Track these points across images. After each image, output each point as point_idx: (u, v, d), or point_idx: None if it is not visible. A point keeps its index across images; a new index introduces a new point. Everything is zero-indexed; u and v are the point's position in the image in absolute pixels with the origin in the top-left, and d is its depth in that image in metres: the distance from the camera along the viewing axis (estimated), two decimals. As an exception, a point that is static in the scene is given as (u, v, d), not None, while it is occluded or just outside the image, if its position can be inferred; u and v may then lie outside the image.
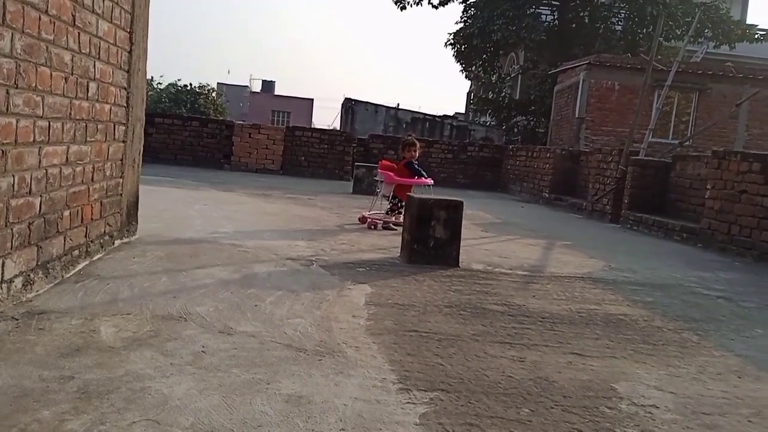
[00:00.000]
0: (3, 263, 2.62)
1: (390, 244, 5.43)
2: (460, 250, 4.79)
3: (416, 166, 6.87)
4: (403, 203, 6.59)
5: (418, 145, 7.04)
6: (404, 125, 20.92)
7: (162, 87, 40.65)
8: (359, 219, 6.80)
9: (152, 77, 42.32)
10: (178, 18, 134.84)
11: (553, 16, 23.28)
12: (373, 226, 6.47)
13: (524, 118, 22.34)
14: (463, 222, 7.08)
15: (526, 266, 5.00)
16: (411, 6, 24.11)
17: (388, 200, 6.83)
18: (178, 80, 39.61)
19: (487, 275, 4.49)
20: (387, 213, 6.78)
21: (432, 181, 6.81)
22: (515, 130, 22.59)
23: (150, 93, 40.12)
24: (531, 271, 4.83)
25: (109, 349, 2.39)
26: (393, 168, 6.87)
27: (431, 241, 4.61)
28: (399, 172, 6.79)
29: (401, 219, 6.48)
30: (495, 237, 6.75)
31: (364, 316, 3.18)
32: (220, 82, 55.15)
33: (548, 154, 12.60)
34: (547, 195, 12.24)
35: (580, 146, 16.08)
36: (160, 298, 3.13)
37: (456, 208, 4.67)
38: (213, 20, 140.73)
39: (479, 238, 6.55)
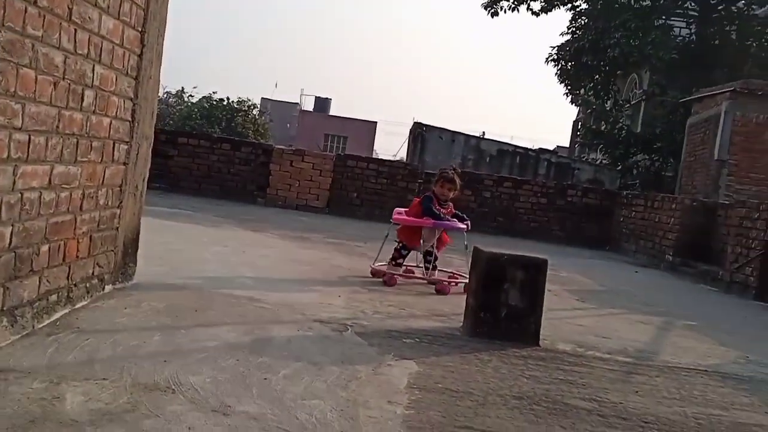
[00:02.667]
0: (-43, 305, 2.70)
1: (452, 310, 5.34)
2: (543, 324, 4.66)
3: (430, 201, 6.59)
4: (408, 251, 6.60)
5: (457, 183, 6.77)
6: (488, 159, 20.86)
7: (194, 101, 42.34)
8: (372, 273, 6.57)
9: (183, 88, 44.27)
10: (215, 19, 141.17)
11: (689, 29, 23.04)
12: (385, 277, 6.34)
13: (647, 157, 21.94)
14: (554, 287, 6.95)
15: (630, 351, 4.81)
16: (505, 12, 24.41)
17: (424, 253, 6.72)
18: (213, 93, 41.17)
19: (576, 359, 4.33)
20: (390, 262, 6.66)
21: (463, 226, 6.61)
22: (634, 171, 22.19)
23: (179, 108, 41.90)
24: (636, 357, 4.64)
25: (71, 423, 2.41)
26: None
27: (503, 310, 4.50)
28: (413, 209, 6.75)
29: (430, 272, 6.50)
30: (593, 310, 6.56)
31: (404, 402, 3.10)
32: (264, 97, 57.07)
33: (674, 205, 12.27)
34: (670, 258, 11.86)
35: (718, 197, 15.59)
36: (147, 361, 3.15)
37: (537, 267, 4.56)
38: (259, 23, 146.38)
39: (572, 309, 6.38)
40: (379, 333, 4.32)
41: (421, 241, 6.56)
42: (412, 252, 6.76)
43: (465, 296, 5.02)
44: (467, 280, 6.06)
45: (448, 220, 6.59)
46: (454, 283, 6.40)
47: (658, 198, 13.29)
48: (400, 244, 6.66)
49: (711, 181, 16.68)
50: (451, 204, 6.76)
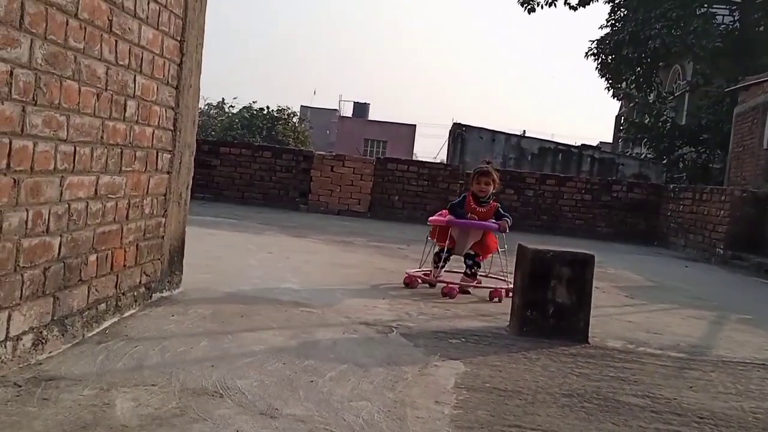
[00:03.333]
0: (9, 316, 2.76)
1: (498, 309, 5.30)
2: (591, 321, 4.59)
3: (463, 200, 6.31)
4: (447, 254, 6.18)
5: (493, 176, 6.26)
6: (529, 157, 20.71)
7: (234, 111, 42.85)
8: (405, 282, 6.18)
9: (223, 99, 44.85)
10: (254, 28, 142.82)
11: (733, 17, 22.62)
12: (412, 283, 6.06)
13: (693, 149, 21.55)
14: (602, 284, 6.84)
15: (683, 346, 4.71)
16: (542, 7, 24.25)
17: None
18: (253, 102, 41.56)
19: (627, 356, 4.25)
20: (432, 268, 6.32)
21: (493, 225, 6.10)
22: (680, 165, 21.81)
23: (221, 119, 42.42)
24: (690, 353, 4.54)
25: (121, 428, 2.44)
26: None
27: (550, 308, 4.44)
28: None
29: (466, 279, 6.11)
30: (643, 306, 6.43)
31: (451, 402, 3.07)
32: (304, 105, 57.51)
33: (723, 197, 12.01)
34: (721, 252, 11.60)
35: (769, 187, 15.24)
36: (195, 366, 3.18)
37: (584, 264, 4.49)
38: (297, 31, 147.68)
39: (621, 306, 6.27)
40: (424, 334, 4.30)
41: (456, 243, 6.23)
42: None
43: (510, 298, 4.93)
44: (506, 286, 5.87)
45: (476, 219, 6.13)
46: (458, 288, 5.88)
47: (706, 190, 13.02)
48: (438, 247, 6.34)
49: (761, 171, 16.30)
50: (493, 203, 6.32)
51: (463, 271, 6.24)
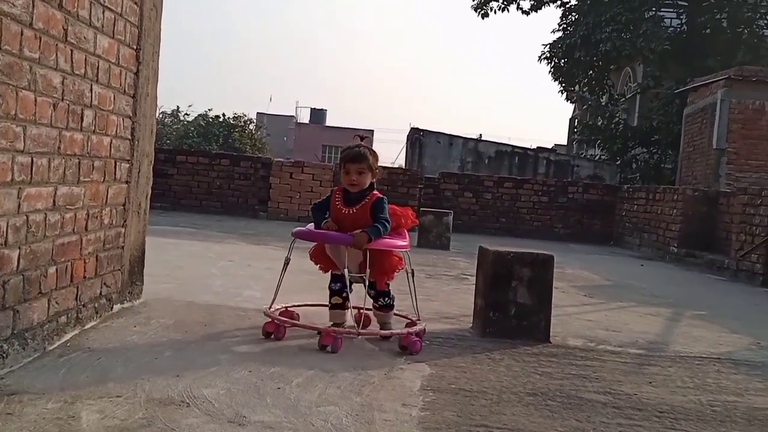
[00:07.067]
0: (-32, 330, 2.71)
1: (459, 312, 5.34)
2: (552, 321, 4.66)
3: (321, 201, 4.44)
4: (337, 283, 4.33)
5: (369, 161, 4.19)
6: (486, 160, 20.91)
7: (190, 119, 42.37)
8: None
9: (178, 107, 44.33)
10: (208, 36, 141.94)
11: (680, 19, 23.10)
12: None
13: (645, 150, 21.93)
14: (561, 284, 6.93)
15: (641, 343, 4.81)
16: (495, 12, 24.49)
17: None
18: (209, 110, 41.12)
19: (588, 354, 4.33)
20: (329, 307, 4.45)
21: (345, 237, 4.04)
22: (633, 165, 22.20)
23: (176, 126, 41.93)
24: (648, 349, 4.64)
25: (88, 440, 2.41)
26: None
27: (512, 308, 4.50)
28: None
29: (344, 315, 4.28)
30: (602, 304, 6.55)
31: (418, 405, 3.10)
32: (260, 111, 57.13)
33: (675, 197, 12.28)
34: (675, 250, 11.86)
35: (719, 185, 15.60)
36: (160, 377, 3.16)
37: (544, 264, 4.56)
38: (252, 37, 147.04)
39: (580, 305, 6.38)
40: (389, 337, 4.31)
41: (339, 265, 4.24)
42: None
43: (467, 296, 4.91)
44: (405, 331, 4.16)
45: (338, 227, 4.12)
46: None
47: (659, 190, 13.31)
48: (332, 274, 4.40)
49: (711, 170, 16.69)
50: (374, 194, 4.19)
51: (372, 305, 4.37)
